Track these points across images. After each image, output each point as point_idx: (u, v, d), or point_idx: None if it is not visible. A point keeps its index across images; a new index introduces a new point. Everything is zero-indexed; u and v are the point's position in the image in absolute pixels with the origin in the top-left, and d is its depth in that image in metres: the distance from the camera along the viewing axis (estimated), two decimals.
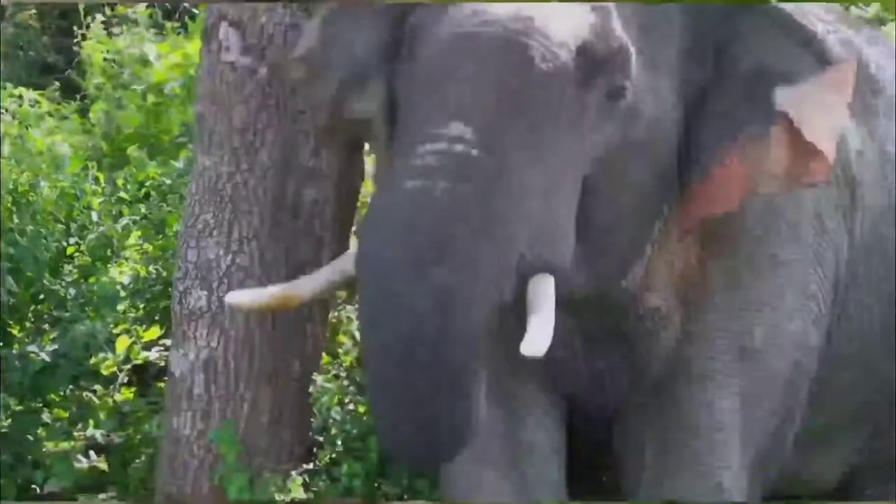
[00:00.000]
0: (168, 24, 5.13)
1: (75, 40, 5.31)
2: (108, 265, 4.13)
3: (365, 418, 3.59)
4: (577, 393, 3.11)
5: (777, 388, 3.07)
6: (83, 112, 5.20)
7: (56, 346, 3.76)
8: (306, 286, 2.76)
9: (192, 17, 5.08)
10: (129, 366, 3.76)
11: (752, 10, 2.76)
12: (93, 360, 3.76)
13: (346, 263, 2.67)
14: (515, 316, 2.47)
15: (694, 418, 3.00)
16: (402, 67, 2.68)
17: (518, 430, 3.11)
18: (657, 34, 2.68)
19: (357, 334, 3.85)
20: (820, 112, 2.72)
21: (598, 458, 3.43)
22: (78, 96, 5.38)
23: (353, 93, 2.83)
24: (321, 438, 3.62)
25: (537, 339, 2.41)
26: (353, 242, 3.37)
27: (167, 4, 5.24)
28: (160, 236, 4.21)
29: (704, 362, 2.99)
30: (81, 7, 5.35)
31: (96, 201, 4.23)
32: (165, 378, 3.54)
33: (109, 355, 3.74)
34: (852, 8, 5.13)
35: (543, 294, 2.46)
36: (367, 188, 3.55)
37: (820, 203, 3.06)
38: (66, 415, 3.84)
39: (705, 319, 2.96)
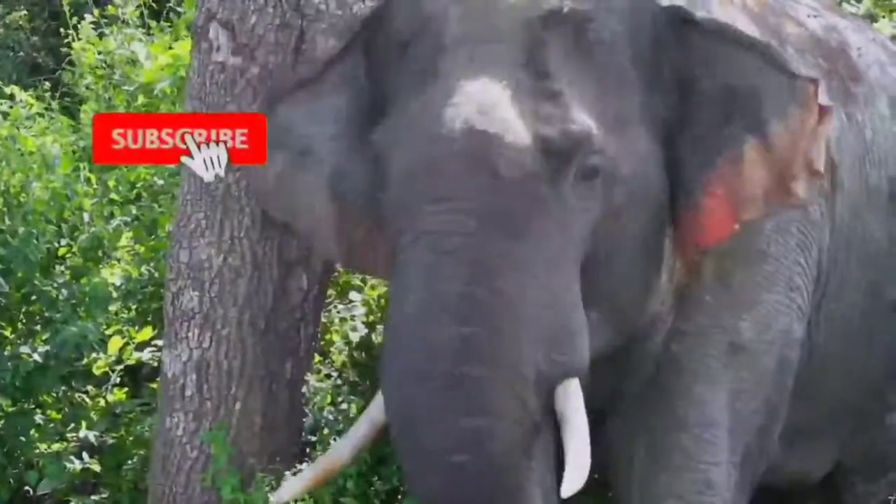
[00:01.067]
0: (154, 24, 5.11)
1: (65, 41, 5.29)
2: (100, 266, 4.13)
3: (357, 418, 3.59)
4: None
5: (765, 383, 3.09)
6: (73, 112, 5.19)
7: (48, 347, 3.76)
8: (344, 451, 2.81)
9: (179, 16, 5.07)
10: (121, 366, 3.77)
11: (703, 32, 2.72)
12: (85, 361, 3.76)
13: (374, 414, 2.72)
14: None
15: (684, 414, 3.01)
16: (379, 195, 2.68)
17: None
18: (617, 85, 2.64)
19: (350, 333, 3.85)
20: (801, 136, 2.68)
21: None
22: (63, 94, 5.36)
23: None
24: (314, 438, 3.62)
25: (576, 476, 2.45)
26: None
27: (153, 4, 5.24)
28: (152, 237, 4.20)
29: (695, 359, 3.00)
30: (66, 7, 5.33)
31: (88, 202, 4.22)
32: (158, 379, 3.54)
33: (101, 356, 3.74)
34: (844, 4, 5.15)
35: (572, 402, 2.50)
36: None
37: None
38: (59, 416, 3.84)
39: (696, 317, 2.97)
